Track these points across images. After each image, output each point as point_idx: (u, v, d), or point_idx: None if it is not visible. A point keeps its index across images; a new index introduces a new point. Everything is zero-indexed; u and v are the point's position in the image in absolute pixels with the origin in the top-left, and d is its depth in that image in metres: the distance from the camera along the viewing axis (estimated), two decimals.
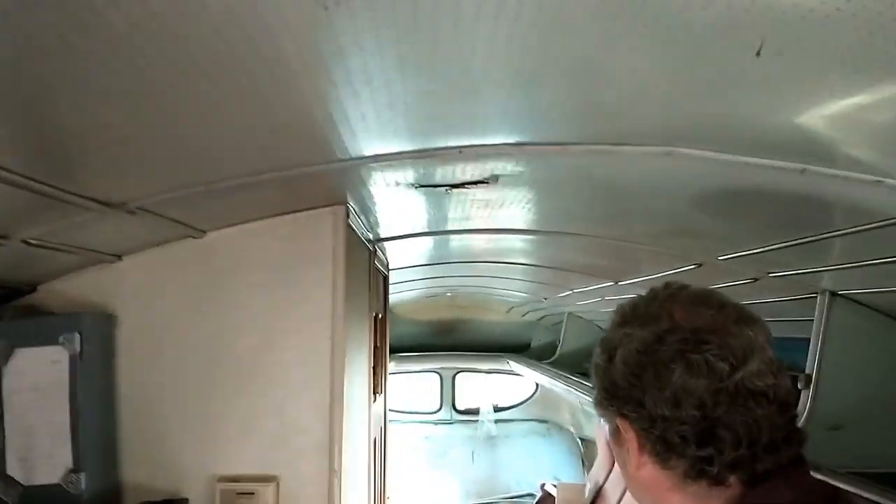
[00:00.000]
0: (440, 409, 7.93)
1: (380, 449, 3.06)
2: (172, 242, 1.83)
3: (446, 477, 7.53)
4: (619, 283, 3.42)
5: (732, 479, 0.95)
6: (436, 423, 7.88)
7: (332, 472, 1.76)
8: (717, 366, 0.92)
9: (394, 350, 7.24)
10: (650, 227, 2.07)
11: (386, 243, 2.98)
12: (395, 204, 2.09)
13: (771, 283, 2.24)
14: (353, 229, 2.03)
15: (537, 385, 7.75)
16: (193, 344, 1.83)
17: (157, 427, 1.82)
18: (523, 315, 7.27)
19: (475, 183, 1.69)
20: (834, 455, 2.03)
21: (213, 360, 1.83)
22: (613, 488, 6.33)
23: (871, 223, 1.36)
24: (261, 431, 1.81)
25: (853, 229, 1.42)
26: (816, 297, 2.17)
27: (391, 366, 7.00)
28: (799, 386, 2.15)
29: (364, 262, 2.38)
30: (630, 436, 0.99)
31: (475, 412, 7.94)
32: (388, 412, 3.45)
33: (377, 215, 2.18)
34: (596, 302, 4.51)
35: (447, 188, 1.73)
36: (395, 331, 7.25)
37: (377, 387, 2.91)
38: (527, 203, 1.98)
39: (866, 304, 2.11)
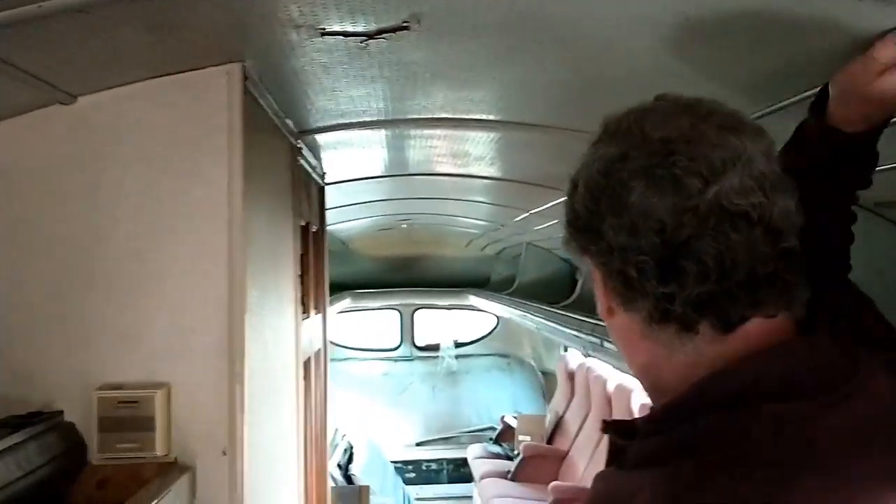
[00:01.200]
0: (400, 345, 7.91)
1: (316, 370, 2.81)
2: (37, 111, 1.53)
3: (407, 413, 7.50)
4: None
5: (703, 324, 0.80)
6: (396, 360, 7.89)
7: (234, 376, 1.51)
8: (686, 181, 0.77)
9: (351, 287, 7.18)
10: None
11: (325, 153, 2.71)
12: (318, 80, 1.81)
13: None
14: (261, 104, 1.74)
15: (498, 319, 7.70)
16: (64, 233, 1.54)
17: (22, 331, 1.54)
18: (482, 249, 7.16)
19: (394, 30, 1.42)
20: None
21: (88, 252, 1.54)
22: (573, 419, 6.29)
23: None
24: (149, 334, 1.54)
25: None
26: None
27: (346, 302, 6.91)
28: None
29: (280, 155, 2.10)
30: (596, 276, 0.87)
31: (436, 348, 7.91)
32: (329, 335, 3.20)
33: (295, 94, 1.90)
34: (554, 225, 4.29)
35: (363, 39, 1.45)
36: (352, 267, 7.15)
37: (311, 302, 2.66)
38: (470, 70, 1.71)
39: None
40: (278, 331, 1.98)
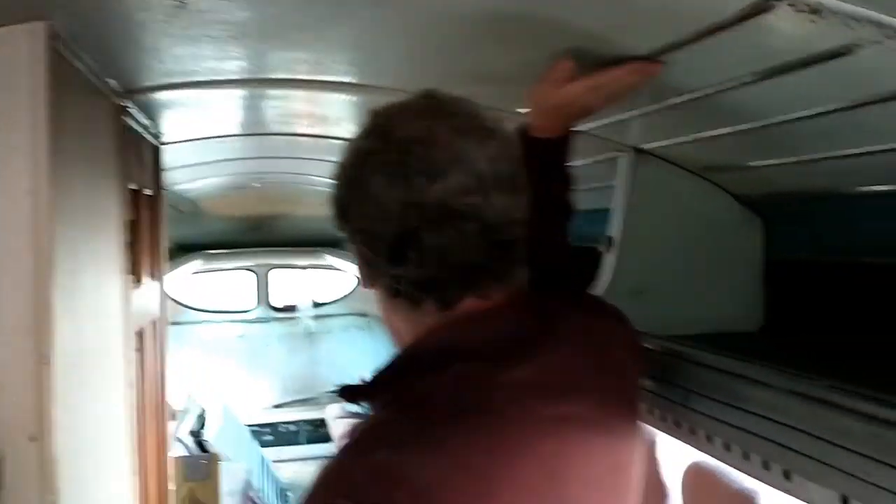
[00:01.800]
0: (256, 307, 7.71)
1: (153, 339, 2.69)
2: None
3: (264, 376, 7.37)
4: None
5: (426, 302, 0.95)
6: (252, 322, 7.68)
7: (41, 357, 1.40)
8: (414, 179, 0.89)
9: (204, 248, 6.92)
10: (452, 66, 1.78)
11: (167, 112, 2.55)
12: (138, 39, 1.69)
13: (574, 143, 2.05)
14: (74, 65, 1.61)
15: (358, 279, 7.62)
16: None
17: None
18: None
19: None
20: (638, 320, 1.92)
21: None
22: None
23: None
24: None
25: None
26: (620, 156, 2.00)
27: (197, 264, 6.66)
28: (601, 250, 1.99)
29: (101, 117, 1.95)
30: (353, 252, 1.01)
31: (293, 309, 7.77)
32: (179, 299, 3.06)
33: (116, 53, 1.76)
34: None
35: None
36: (204, 228, 6.87)
37: (144, 270, 2.53)
38: (307, 31, 1.63)
39: (672, 160, 1.96)
40: (99, 304, 1.85)
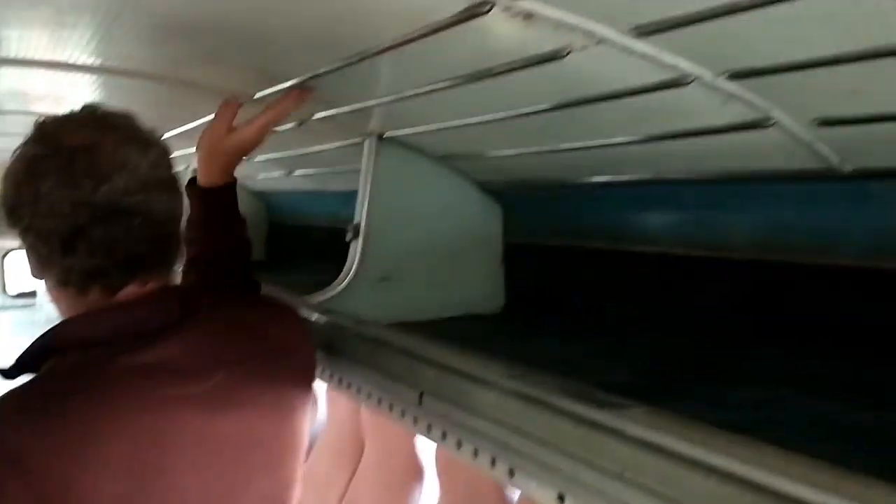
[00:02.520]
0: None
1: None
2: None
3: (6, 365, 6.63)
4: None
5: (93, 289, 1.07)
6: None
7: None
8: (82, 181, 1.01)
9: None
10: (192, 47, 1.63)
11: None
12: None
13: (318, 127, 1.99)
14: None
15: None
16: None
17: None
18: None
19: None
20: (385, 307, 1.92)
21: None
22: None
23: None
24: None
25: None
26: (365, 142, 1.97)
27: None
28: (347, 238, 1.95)
29: None
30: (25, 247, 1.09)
31: (32, 295, 7.08)
32: None
33: None
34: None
35: None
36: None
37: None
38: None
39: (415, 147, 1.96)
40: None
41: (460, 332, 1.86)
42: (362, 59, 1.27)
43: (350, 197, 2.03)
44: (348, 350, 1.49)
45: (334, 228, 2.24)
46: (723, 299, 1.50)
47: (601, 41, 0.98)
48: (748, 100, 1.05)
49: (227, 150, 1.42)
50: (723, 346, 1.43)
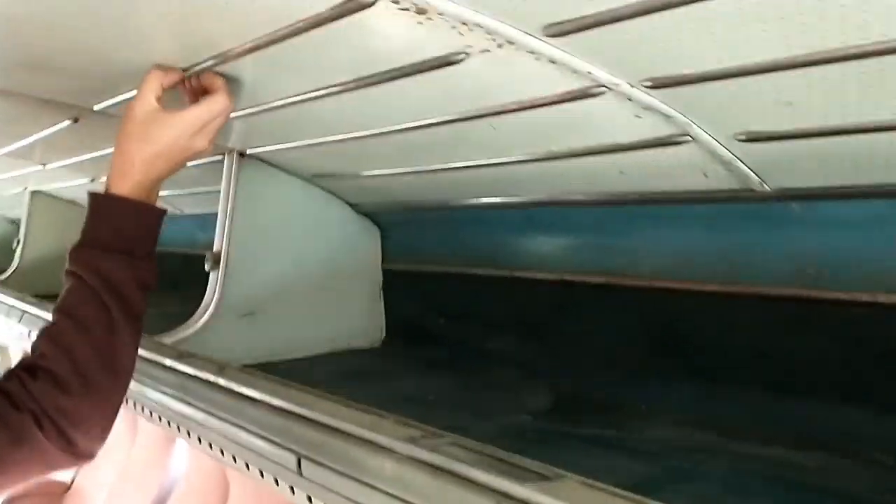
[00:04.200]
0: None
1: None
2: None
3: None
4: None
5: None
6: None
7: None
8: None
9: None
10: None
11: None
12: None
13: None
14: None
15: None
16: None
17: None
18: None
19: None
20: (250, 347, 1.71)
21: None
22: None
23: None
24: None
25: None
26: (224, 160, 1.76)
27: None
28: (206, 267, 1.73)
29: None
30: None
31: None
32: None
33: None
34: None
35: None
36: None
37: None
38: None
39: (280, 166, 1.77)
40: None
41: (339, 370, 1.68)
42: (219, 64, 1.08)
43: (208, 220, 1.81)
44: (208, 403, 1.26)
45: (190, 255, 2.00)
46: (621, 330, 1.40)
47: (505, 43, 0.83)
48: (664, 112, 0.94)
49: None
50: (624, 382, 1.33)
